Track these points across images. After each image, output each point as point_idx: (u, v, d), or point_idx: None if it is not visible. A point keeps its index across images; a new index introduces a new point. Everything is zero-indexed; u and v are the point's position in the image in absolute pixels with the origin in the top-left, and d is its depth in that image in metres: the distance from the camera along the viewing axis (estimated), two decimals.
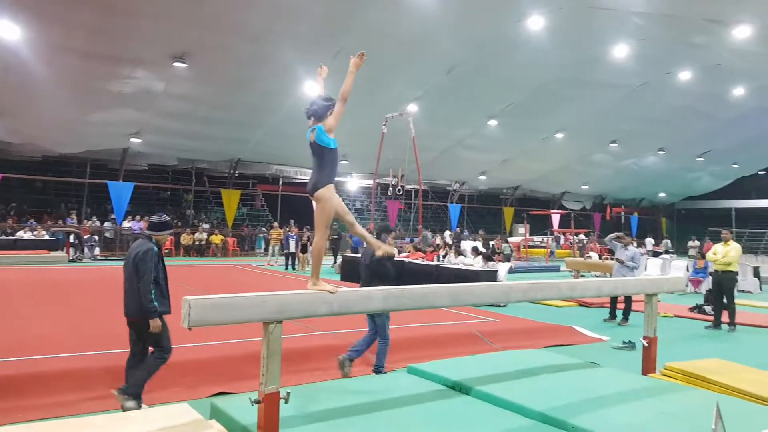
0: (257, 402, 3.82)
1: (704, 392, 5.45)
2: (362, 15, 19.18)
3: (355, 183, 37.26)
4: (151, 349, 5.48)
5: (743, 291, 16.86)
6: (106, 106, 22.84)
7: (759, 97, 28.68)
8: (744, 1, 18.27)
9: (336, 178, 4.52)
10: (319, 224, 4.42)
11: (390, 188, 24.17)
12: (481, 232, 34.21)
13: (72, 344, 6.90)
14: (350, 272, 17.27)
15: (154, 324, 5.25)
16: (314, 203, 4.43)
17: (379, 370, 6.64)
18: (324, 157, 4.49)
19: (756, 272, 18.33)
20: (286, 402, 3.90)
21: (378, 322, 6.66)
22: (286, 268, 20.82)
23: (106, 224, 26.83)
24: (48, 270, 17.63)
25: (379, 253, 4.98)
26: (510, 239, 31.01)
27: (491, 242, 25.60)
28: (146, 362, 5.40)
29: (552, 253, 31.41)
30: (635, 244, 14.26)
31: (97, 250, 24.10)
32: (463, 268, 14.20)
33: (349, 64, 4.53)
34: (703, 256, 16.25)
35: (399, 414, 4.66)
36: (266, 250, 25.83)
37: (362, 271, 6.96)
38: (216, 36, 19.41)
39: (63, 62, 19.61)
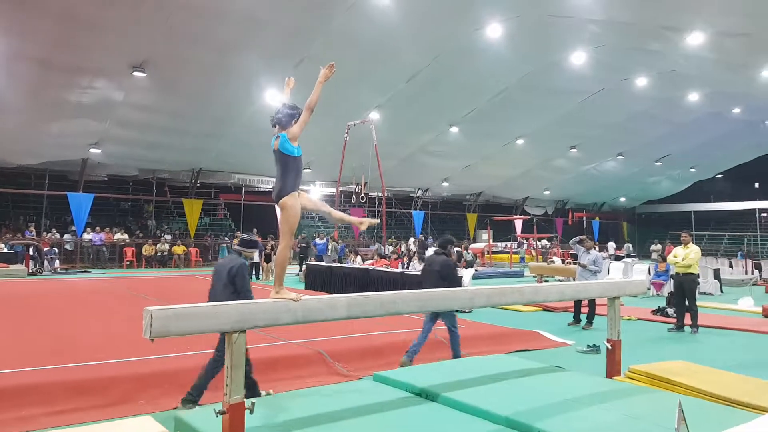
0: (222, 413, 3.76)
1: (668, 394, 5.51)
2: (324, 24, 19.22)
3: (318, 191, 37.08)
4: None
5: (704, 293, 17.14)
6: (65, 117, 22.48)
7: (713, 103, 29.48)
8: (696, 9, 18.73)
9: (300, 187, 4.50)
10: (283, 231, 4.41)
11: (353, 196, 24.15)
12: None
13: (33, 358, 6.72)
14: (315, 280, 17.19)
15: None
16: (278, 210, 4.39)
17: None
18: (288, 165, 4.47)
19: (716, 274, 18.67)
20: (251, 412, 3.85)
21: (446, 321, 7.60)
22: (250, 278, 20.58)
23: (66, 236, 26.28)
24: (7, 284, 17.15)
25: (363, 227, 5.18)
26: (473, 245, 31.18)
27: (456, 248, 25.67)
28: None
29: (522, 259, 31.60)
30: (597, 248, 14.44)
31: (57, 263, 23.59)
32: None
33: (319, 74, 4.48)
34: (664, 260, 16.51)
35: (365, 422, 4.63)
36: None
37: (428, 276, 7.79)
38: (176, 45, 19.25)
39: (20, 71, 19.26)
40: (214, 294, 5.95)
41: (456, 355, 7.56)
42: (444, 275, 7.53)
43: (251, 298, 5.43)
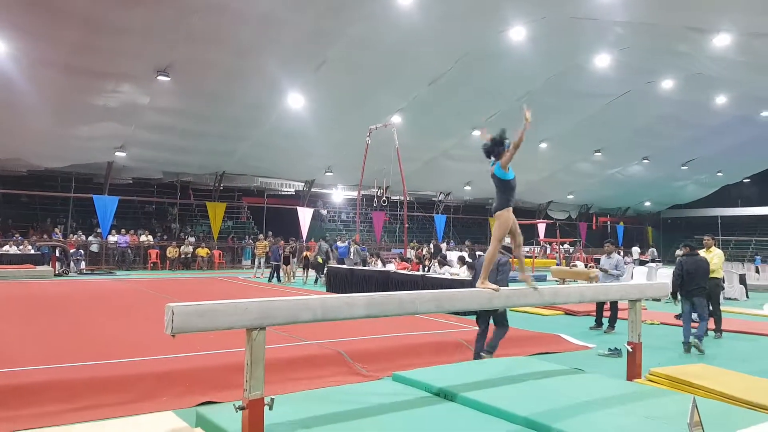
0: (242, 408, 3.82)
1: (688, 396, 5.44)
2: (346, 28, 19.31)
3: (340, 194, 37.27)
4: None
5: (730, 298, 16.96)
6: (91, 121, 22.82)
7: (741, 105, 29.05)
8: (722, 9, 18.50)
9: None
10: (494, 237, 5.54)
11: (375, 199, 24.18)
12: (467, 242, 34.25)
13: (57, 356, 6.85)
14: (336, 282, 17.28)
15: None
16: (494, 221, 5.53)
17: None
18: (502, 186, 5.47)
19: (742, 279, 18.41)
20: (270, 408, 3.90)
21: (699, 309, 9.19)
22: (270, 280, 20.68)
23: (92, 238, 26.66)
24: (34, 284, 17.49)
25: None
26: None
27: (479, 252, 25.55)
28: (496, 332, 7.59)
29: (559, 263, 31.24)
30: (621, 252, 14.30)
31: (82, 264, 23.93)
32: (449, 277, 14.21)
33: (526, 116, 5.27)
34: None
35: (384, 420, 4.65)
36: (253, 262, 25.72)
37: (695, 275, 9.17)
38: (200, 49, 19.46)
39: (48, 77, 19.60)
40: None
41: (698, 337, 8.95)
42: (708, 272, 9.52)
43: (507, 285, 6.73)
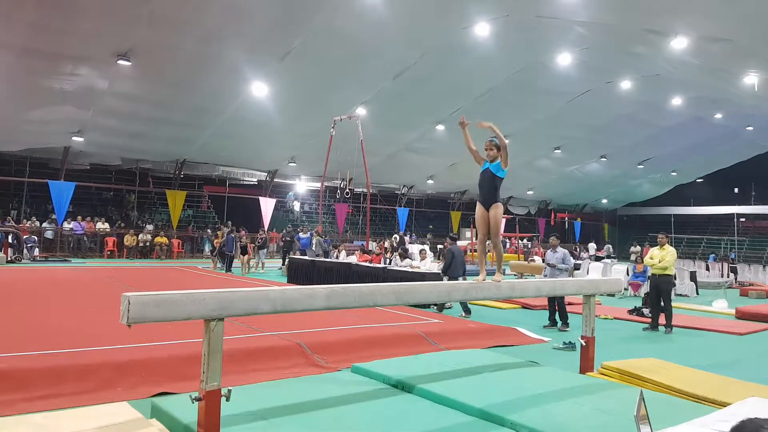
0: (198, 399, 3.80)
1: (638, 389, 5.62)
2: (312, 18, 19.17)
3: (303, 185, 37.10)
4: None
5: (680, 295, 17.38)
6: (47, 104, 22.24)
7: (696, 107, 29.73)
8: (681, 13, 18.85)
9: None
10: (495, 231, 6.10)
11: (338, 191, 24.14)
12: (429, 235, 34.50)
13: (10, 344, 6.70)
14: (297, 274, 17.24)
15: None
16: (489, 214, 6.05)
17: None
18: (496, 183, 6.18)
19: (693, 276, 18.90)
20: (227, 399, 3.90)
21: None
22: (227, 270, 20.47)
23: (46, 224, 26.07)
24: None
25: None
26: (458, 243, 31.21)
27: (439, 245, 25.78)
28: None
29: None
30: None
31: (36, 251, 23.40)
32: (410, 270, 14.31)
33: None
34: (642, 261, 16.69)
35: (342, 412, 4.70)
36: (212, 252, 25.44)
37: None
38: (162, 34, 19.11)
39: (1, 58, 19.02)
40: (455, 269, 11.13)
41: None
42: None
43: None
